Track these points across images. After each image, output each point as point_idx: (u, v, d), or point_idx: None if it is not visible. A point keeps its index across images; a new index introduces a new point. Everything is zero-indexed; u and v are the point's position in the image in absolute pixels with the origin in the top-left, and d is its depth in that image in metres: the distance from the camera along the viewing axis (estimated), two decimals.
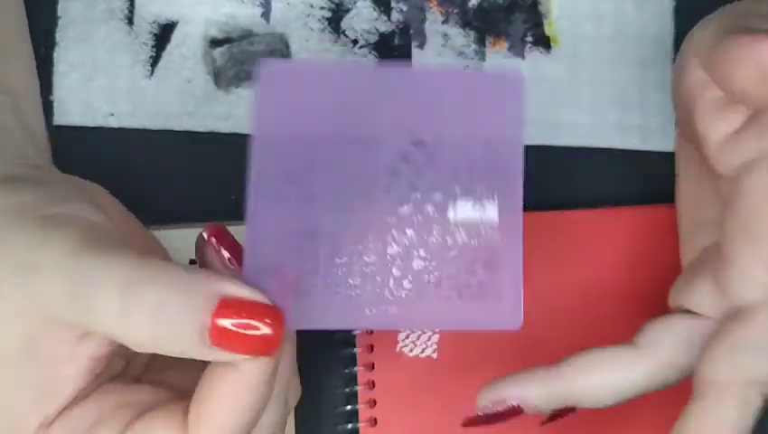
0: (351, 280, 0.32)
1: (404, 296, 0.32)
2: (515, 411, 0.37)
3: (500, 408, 0.37)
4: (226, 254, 0.34)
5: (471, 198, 0.32)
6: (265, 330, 0.31)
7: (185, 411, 0.33)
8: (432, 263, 0.32)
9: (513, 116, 0.33)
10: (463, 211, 0.33)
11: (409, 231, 0.32)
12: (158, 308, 0.31)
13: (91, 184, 0.39)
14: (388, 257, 0.32)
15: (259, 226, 0.32)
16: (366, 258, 0.32)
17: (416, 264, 0.32)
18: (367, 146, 0.33)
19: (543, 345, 0.45)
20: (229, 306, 0.31)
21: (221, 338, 0.31)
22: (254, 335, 0.31)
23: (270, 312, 0.31)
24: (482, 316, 0.32)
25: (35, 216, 0.34)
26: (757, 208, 0.35)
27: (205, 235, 0.34)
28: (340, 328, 0.33)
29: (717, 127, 0.36)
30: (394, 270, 0.32)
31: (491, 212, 0.32)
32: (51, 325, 0.32)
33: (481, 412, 0.36)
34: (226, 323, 0.31)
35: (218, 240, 0.34)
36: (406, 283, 0.32)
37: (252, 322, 0.31)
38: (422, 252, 0.32)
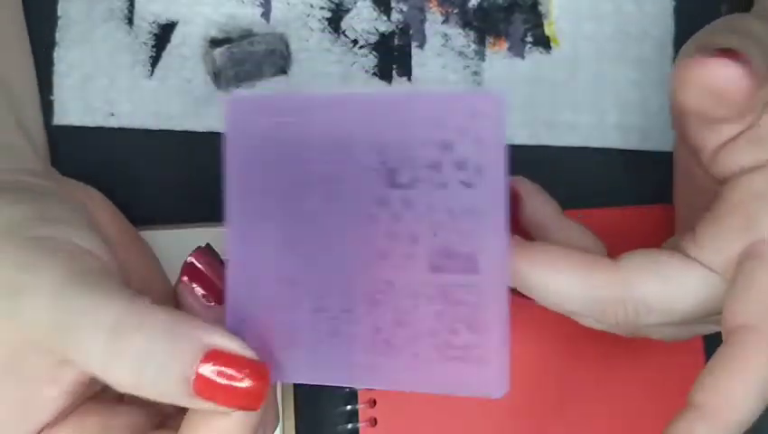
0: (332, 336, 0.31)
1: (385, 355, 0.31)
2: None
3: None
4: (200, 291, 0.34)
5: (451, 248, 0.30)
6: (250, 384, 0.31)
7: None
8: (413, 320, 0.30)
9: (494, 146, 0.29)
10: (444, 263, 0.30)
11: (390, 284, 0.30)
12: (143, 355, 0.30)
13: (87, 188, 0.39)
14: (369, 312, 0.31)
15: (239, 276, 0.31)
16: (346, 311, 0.31)
17: (397, 320, 0.30)
18: (341, 188, 0.31)
19: (543, 345, 0.45)
20: (214, 357, 0.31)
21: (205, 389, 0.31)
22: (238, 388, 0.31)
23: (255, 366, 0.31)
24: (465, 380, 0.30)
25: (23, 237, 0.33)
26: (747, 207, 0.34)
27: (184, 278, 0.34)
28: (322, 382, 0.32)
29: (710, 137, 0.36)
30: (374, 327, 0.31)
31: (473, 264, 0.29)
32: (34, 347, 0.32)
33: None
34: (210, 375, 0.30)
35: (191, 278, 0.34)
36: (386, 341, 0.31)
37: (237, 375, 0.31)
38: (403, 308, 0.30)
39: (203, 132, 0.47)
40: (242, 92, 0.32)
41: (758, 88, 0.32)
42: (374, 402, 0.45)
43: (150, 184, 0.46)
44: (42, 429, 0.33)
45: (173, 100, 0.47)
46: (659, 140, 0.47)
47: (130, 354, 0.30)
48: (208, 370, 0.30)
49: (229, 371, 0.30)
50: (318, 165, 0.31)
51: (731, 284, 0.34)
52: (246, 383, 0.31)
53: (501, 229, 0.29)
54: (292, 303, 0.31)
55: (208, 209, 0.46)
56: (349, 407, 0.45)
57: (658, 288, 0.35)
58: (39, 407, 0.33)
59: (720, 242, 0.35)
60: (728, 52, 0.32)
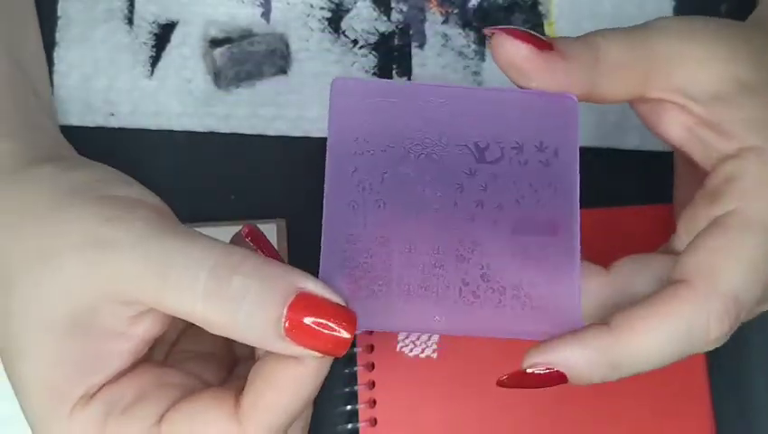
0: (421, 287, 0.34)
1: (471, 305, 0.34)
2: (559, 377, 0.34)
3: (542, 372, 0.34)
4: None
5: (532, 214, 0.35)
6: (339, 331, 0.32)
7: (235, 398, 0.34)
8: (497, 275, 0.34)
9: (569, 135, 0.35)
10: (525, 226, 0.35)
11: (476, 243, 0.34)
12: (240, 295, 0.32)
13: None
14: (457, 267, 0.34)
15: (334, 231, 0.34)
16: (436, 267, 0.34)
17: (483, 275, 0.34)
18: (435, 160, 0.35)
19: None
20: (306, 301, 0.32)
21: (296, 333, 0.32)
22: (327, 335, 0.32)
23: (345, 314, 0.32)
24: (544, 325, 0.34)
25: (98, 195, 0.34)
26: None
27: (243, 232, 0.35)
28: (408, 331, 0.36)
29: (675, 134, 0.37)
30: (461, 280, 0.34)
31: (551, 228, 0.35)
32: (112, 301, 0.33)
33: (526, 370, 0.34)
34: (303, 318, 0.32)
35: (254, 241, 0.35)
36: (473, 292, 0.34)
37: (328, 322, 0.32)
38: (487, 264, 0.34)
39: (203, 132, 0.47)
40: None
41: (544, 62, 0.34)
42: (374, 402, 0.45)
43: (150, 184, 0.46)
44: (103, 385, 0.34)
45: (173, 100, 0.47)
46: (659, 140, 0.47)
47: (228, 294, 0.32)
48: (299, 312, 0.32)
49: (319, 315, 0.32)
50: (414, 139, 0.35)
51: (686, 247, 0.35)
52: (335, 331, 0.32)
53: (574, 200, 0.35)
54: (383, 258, 0.34)
55: (208, 209, 0.46)
56: (349, 407, 0.45)
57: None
58: (105, 363, 0.34)
59: (691, 224, 0.36)
60: (523, 34, 0.35)
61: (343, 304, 0.32)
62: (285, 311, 0.32)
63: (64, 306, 0.33)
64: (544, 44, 0.34)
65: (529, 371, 0.34)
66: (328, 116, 0.35)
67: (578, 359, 0.33)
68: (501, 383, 0.35)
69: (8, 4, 0.44)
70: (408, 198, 0.35)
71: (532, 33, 0.35)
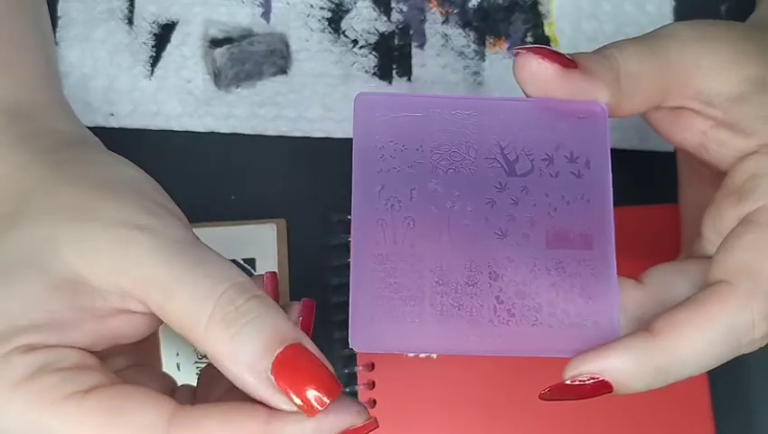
0: (453, 306, 0.33)
1: (506, 324, 0.33)
2: (604, 387, 0.33)
3: (586, 381, 0.33)
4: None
5: (566, 227, 0.34)
6: (321, 395, 0.31)
7: (175, 405, 0.33)
8: (532, 292, 0.33)
9: (600, 145, 0.35)
10: (559, 241, 0.34)
11: (509, 259, 0.34)
12: (251, 315, 0.32)
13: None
14: (490, 284, 0.33)
15: (362, 251, 0.33)
16: (469, 285, 0.33)
17: (518, 292, 0.33)
18: (463, 174, 0.34)
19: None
20: (301, 353, 0.32)
21: (282, 371, 0.32)
22: (311, 386, 0.32)
23: (332, 383, 0.32)
24: (582, 342, 0.33)
25: (136, 189, 0.35)
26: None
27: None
28: (442, 353, 0.35)
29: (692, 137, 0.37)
30: (496, 297, 0.33)
31: (587, 241, 0.34)
32: (115, 286, 0.33)
33: (568, 382, 0.33)
34: (294, 363, 0.32)
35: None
36: (507, 311, 0.33)
37: (313, 382, 0.32)
38: (522, 281, 0.33)
39: (203, 132, 0.47)
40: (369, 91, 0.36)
41: (563, 76, 0.34)
42: (374, 402, 0.45)
43: None
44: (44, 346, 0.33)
45: (173, 100, 0.47)
46: (659, 140, 0.47)
47: (239, 312, 0.32)
48: (291, 358, 0.32)
49: (308, 370, 0.32)
50: (442, 154, 0.34)
51: (718, 248, 0.35)
52: (317, 391, 0.31)
53: (608, 211, 0.34)
54: (414, 277, 0.33)
55: (208, 209, 0.46)
56: None
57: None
58: (64, 327, 0.33)
59: (717, 223, 0.36)
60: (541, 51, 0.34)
61: (332, 370, 0.32)
62: (277, 351, 0.32)
63: (75, 259, 0.33)
64: (570, 63, 0.34)
65: (570, 382, 0.33)
66: (353, 132, 0.34)
67: (624, 366, 0.32)
68: (543, 397, 0.34)
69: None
70: (438, 215, 0.34)
71: (557, 51, 0.34)
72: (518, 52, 0.34)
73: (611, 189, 0.34)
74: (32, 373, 0.32)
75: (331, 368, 0.32)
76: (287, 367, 0.31)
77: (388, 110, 0.34)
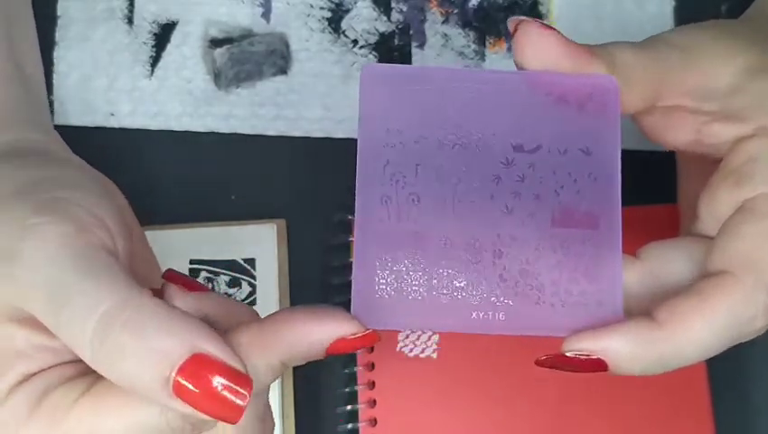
0: (456, 283, 0.33)
1: (510, 302, 0.33)
2: (599, 366, 0.33)
3: (582, 357, 0.33)
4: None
5: (572, 206, 0.33)
6: (233, 398, 0.30)
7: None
8: (536, 270, 0.33)
9: (610, 121, 0.34)
10: (565, 219, 0.33)
11: (514, 238, 0.33)
12: (128, 351, 0.30)
13: (104, 179, 0.39)
14: (494, 262, 0.33)
15: (367, 228, 0.33)
16: (472, 262, 0.33)
17: (521, 270, 0.33)
18: (469, 150, 0.33)
19: (544, 343, 0.45)
20: (200, 363, 0.30)
21: (186, 394, 0.30)
22: (221, 399, 0.30)
23: (243, 380, 0.30)
24: (584, 321, 0.33)
25: (35, 198, 0.33)
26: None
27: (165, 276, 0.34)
28: (446, 330, 0.33)
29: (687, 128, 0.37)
30: (499, 276, 0.33)
31: (592, 221, 0.33)
32: (7, 316, 0.32)
33: (567, 354, 0.33)
34: (189, 380, 0.30)
35: (174, 282, 0.34)
36: (511, 289, 0.33)
37: (218, 384, 0.30)
38: (526, 259, 0.33)
39: (203, 132, 0.47)
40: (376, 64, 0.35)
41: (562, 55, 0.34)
42: (374, 402, 0.45)
43: (150, 184, 0.46)
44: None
45: (173, 100, 0.47)
46: None
47: (116, 346, 0.30)
48: (191, 374, 0.30)
49: (212, 378, 0.30)
50: (448, 129, 0.33)
51: (717, 234, 0.35)
52: (227, 397, 0.30)
53: (616, 190, 0.34)
54: (419, 254, 0.33)
55: (207, 209, 0.46)
56: (349, 407, 0.45)
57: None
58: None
59: (713, 205, 0.36)
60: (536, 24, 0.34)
61: (243, 369, 0.30)
62: (172, 373, 0.30)
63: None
64: (568, 40, 0.34)
65: (569, 355, 0.33)
66: (358, 105, 0.33)
67: (622, 350, 0.33)
68: (538, 363, 0.34)
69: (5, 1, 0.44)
70: (443, 191, 0.33)
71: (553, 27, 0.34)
72: (518, 22, 0.34)
73: (619, 168, 0.34)
74: (37, 400, 0.32)
75: (239, 364, 0.31)
76: (188, 391, 0.30)
77: (394, 83, 0.34)
